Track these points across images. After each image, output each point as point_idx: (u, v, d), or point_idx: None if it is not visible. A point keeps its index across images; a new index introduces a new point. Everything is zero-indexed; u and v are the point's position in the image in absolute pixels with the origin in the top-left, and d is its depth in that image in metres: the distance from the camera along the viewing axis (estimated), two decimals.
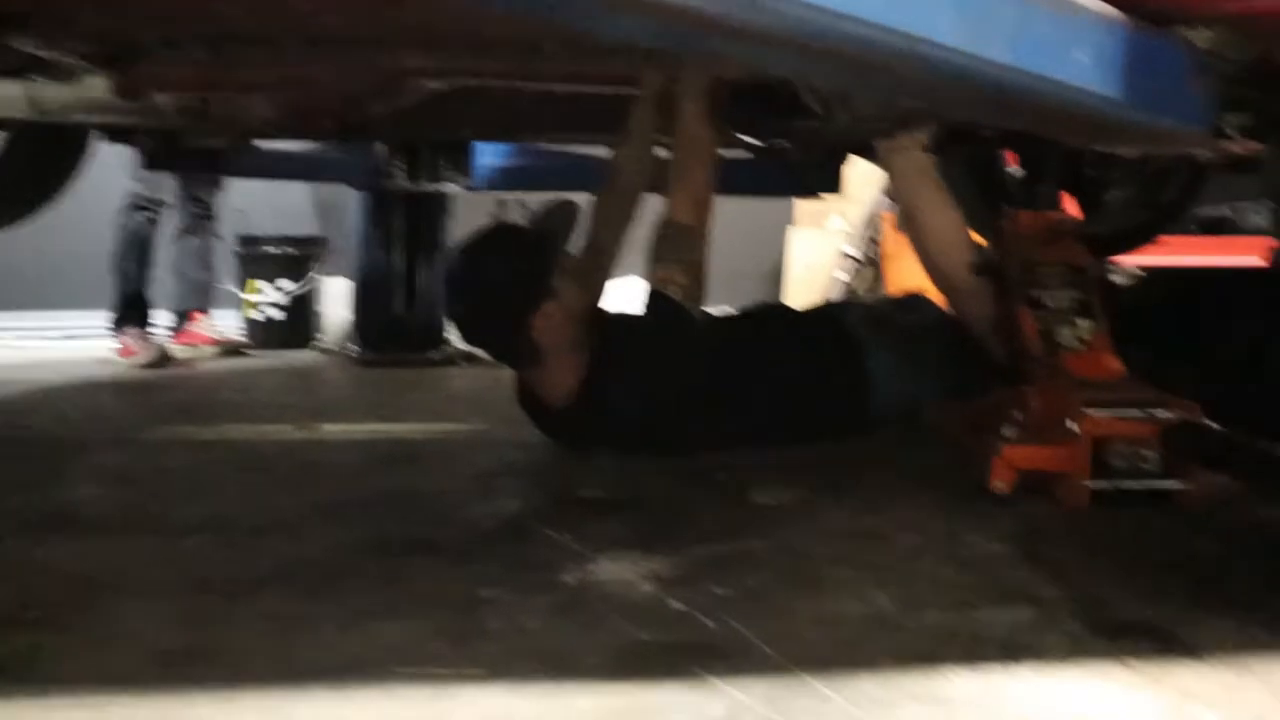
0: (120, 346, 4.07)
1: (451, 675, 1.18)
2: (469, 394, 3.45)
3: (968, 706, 1.13)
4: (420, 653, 1.24)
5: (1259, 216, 4.53)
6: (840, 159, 3.45)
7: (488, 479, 2.17)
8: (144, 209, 4.16)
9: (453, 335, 4.24)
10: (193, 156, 3.53)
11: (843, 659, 1.24)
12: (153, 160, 3.52)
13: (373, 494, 2.03)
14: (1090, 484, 1.89)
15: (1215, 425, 1.96)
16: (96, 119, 2.87)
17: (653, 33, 0.75)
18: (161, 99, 2.38)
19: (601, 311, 2.43)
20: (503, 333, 2.34)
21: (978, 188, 3.24)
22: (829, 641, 1.30)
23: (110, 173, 3.87)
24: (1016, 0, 0.96)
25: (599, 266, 2.49)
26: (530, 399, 2.44)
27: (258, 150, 3.79)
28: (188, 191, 4.34)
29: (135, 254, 4.18)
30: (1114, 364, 2.12)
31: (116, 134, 3.21)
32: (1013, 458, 1.95)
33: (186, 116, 2.47)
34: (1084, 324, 2.19)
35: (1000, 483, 1.94)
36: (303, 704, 1.11)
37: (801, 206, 6.26)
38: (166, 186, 4.22)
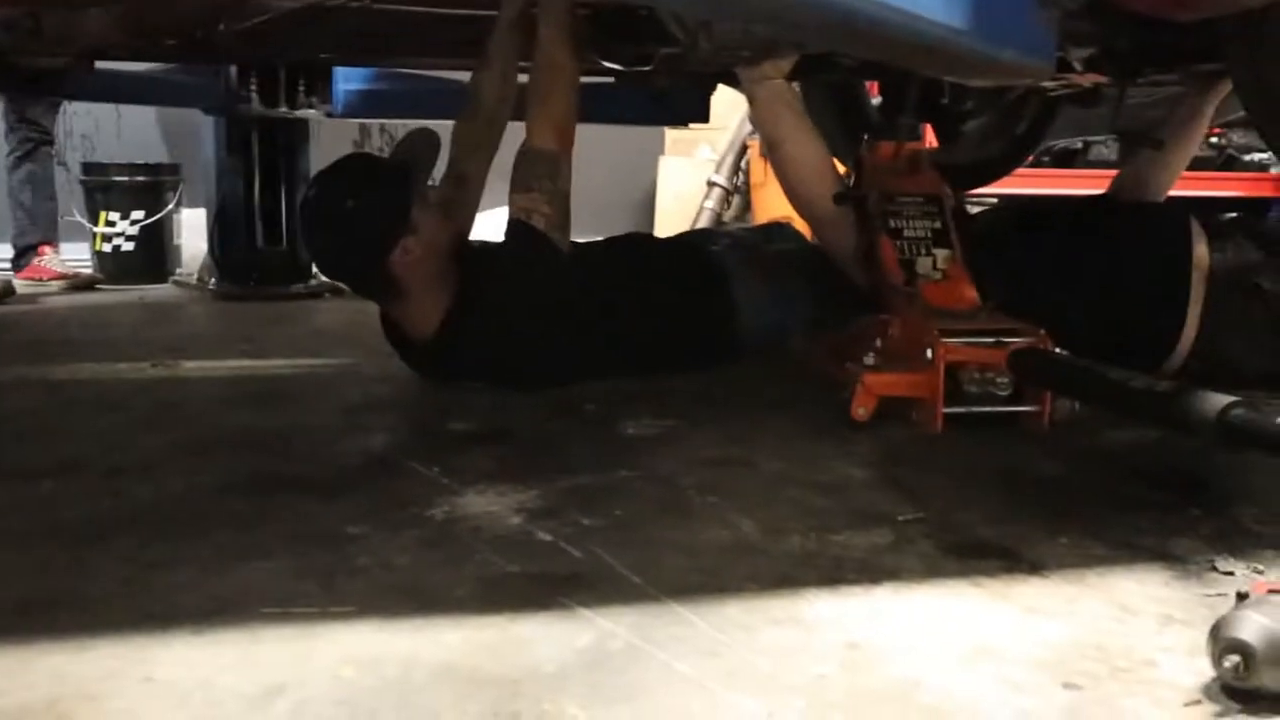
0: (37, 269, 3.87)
1: (318, 614, 1.18)
2: (335, 328, 3.38)
3: (827, 627, 1.17)
4: (286, 592, 1.23)
5: (1108, 149, 4.71)
6: (708, 88, 3.44)
7: (354, 414, 2.14)
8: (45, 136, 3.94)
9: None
10: (27, 78, 3.33)
11: (707, 586, 1.27)
12: None
13: (236, 432, 1.98)
14: (946, 409, 1.96)
15: (1062, 351, 2.05)
16: None
17: None
18: None
19: (467, 243, 2.40)
20: (361, 267, 2.29)
21: (839, 117, 3.29)
22: (694, 569, 1.33)
23: None
24: None
25: (462, 198, 2.45)
26: (395, 333, 2.40)
27: (100, 72, 3.60)
28: (19, 114, 4.10)
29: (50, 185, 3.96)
30: (969, 293, 2.19)
31: None
32: (872, 385, 2.01)
33: (15, 34, 2.32)
34: (941, 254, 2.26)
35: (861, 409, 2.00)
36: (162, 649, 1.09)
37: (671, 136, 6.27)
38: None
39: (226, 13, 2.34)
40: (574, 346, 2.29)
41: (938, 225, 2.29)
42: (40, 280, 4.10)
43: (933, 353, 1.96)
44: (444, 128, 2.45)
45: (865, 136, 2.62)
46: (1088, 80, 2.40)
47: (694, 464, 1.78)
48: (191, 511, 1.52)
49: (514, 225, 2.25)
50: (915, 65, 1.36)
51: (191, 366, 2.61)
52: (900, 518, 1.52)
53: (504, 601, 1.22)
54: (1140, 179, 2.69)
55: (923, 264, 2.24)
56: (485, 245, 2.39)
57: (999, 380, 1.94)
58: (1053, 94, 2.85)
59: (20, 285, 4.02)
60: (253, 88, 3.81)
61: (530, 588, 1.26)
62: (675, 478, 1.70)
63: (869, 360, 2.09)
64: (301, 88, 3.87)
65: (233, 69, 3.77)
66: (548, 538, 1.42)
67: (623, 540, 1.41)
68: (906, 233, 2.27)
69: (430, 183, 2.35)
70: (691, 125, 4.35)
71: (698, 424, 2.06)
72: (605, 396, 2.23)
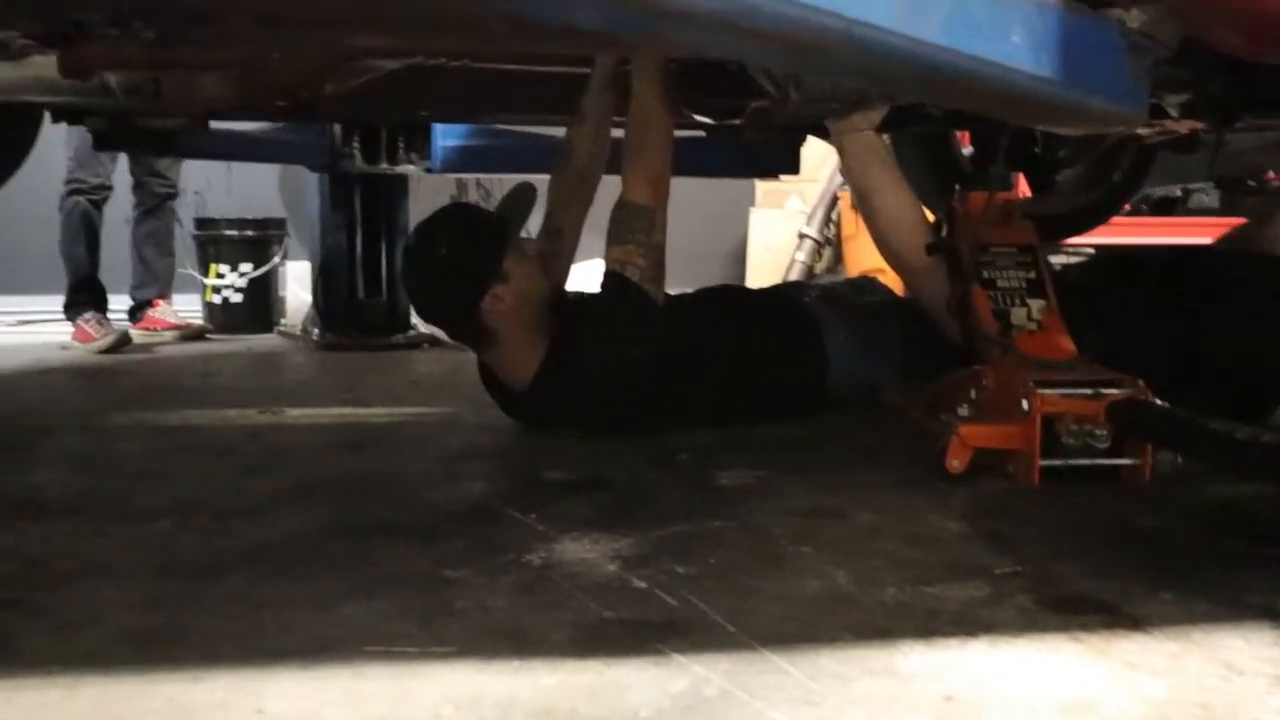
0: (77, 332, 4.03)
1: (419, 654, 1.21)
2: (433, 377, 3.46)
3: (922, 678, 1.17)
4: (388, 632, 1.26)
5: (1208, 197, 4.62)
6: (797, 140, 3.48)
7: (453, 461, 2.18)
8: (84, 193, 4.12)
9: (415, 316, 4.26)
10: (145, 137, 3.50)
11: (801, 635, 1.27)
12: (103, 141, 3.47)
13: (339, 477, 2.05)
14: (1043, 461, 1.93)
15: (1163, 403, 2.01)
16: (45, 99, 2.84)
17: (595, 17, 0.76)
18: (112, 79, 2.37)
19: (563, 294, 2.45)
20: (453, 312, 2.37)
21: (930, 167, 3.29)
22: (788, 618, 1.33)
23: (59, 156, 3.84)
24: None
25: (557, 250, 2.51)
26: (493, 380, 2.46)
27: (213, 131, 3.76)
28: (148, 169, 4.30)
29: (82, 239, 4.15)
30: (1066, 344, 2.17)
31: (67, 114, 3.17)
32: (968, 436, 1.99)
33: (137, 96, 2.45)
34: (1036, 304, 2.24)
35: (956, 461, 1.98)
36: (272, 683, 1.13)
37: (762, 188, 6.31)
38: (107, 170, 4.17)
39: (332, 74, 2.44)
40: (667, 396, 2.32)
41: (1032, 275, 2.27)
42: (154, 330, 4.28)
43: (1028, 404, 1.94)
44: (540, 181, 2.52)
45: (956, 186, 2.61)
46: (1184, 126, 2.37)
47: (787, 514, 1.78)
48: (298, 553, 1.57)
49: (609, 277, 2.30)
50: (1004, 115, 1.37)
51: (296, 414, 2.70)
52: (997, 571, 1.51)
53: (600, 646, 1.23)
54: (1252, 231, 2.64)
55: (1017, 314, 2.22)
56: (581, 295, 2.44)
57: (1097, 432, 1.91)
58: (1149, 141, 2.82)
59: (136, 335, 4.19)
60: (356, 145, 3.96)
61: (626, 633, 1.28)
62: (768, 527, 1.71)
63: (964, 412, 2.08)
64: (402, 144, 4.00)
65: (337, 127, 3.92)
66: (643, 585, 1.43)
67: (717, 588, 1.42)
68: (1000, 283, 2.26)
69: (526, 234, 2.41)
70: (782, 177, 4.39)
71: (790, 474, 2.06)
72: (699, 446, 2.24)
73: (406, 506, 1.85)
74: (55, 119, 3.17)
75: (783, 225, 6.08)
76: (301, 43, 2.14)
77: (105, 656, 1.19)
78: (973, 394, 2.10)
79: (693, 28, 0.83)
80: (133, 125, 3.14)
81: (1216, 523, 1.82)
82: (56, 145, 3.42)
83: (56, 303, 4.31)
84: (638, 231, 2.29)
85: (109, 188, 4.20)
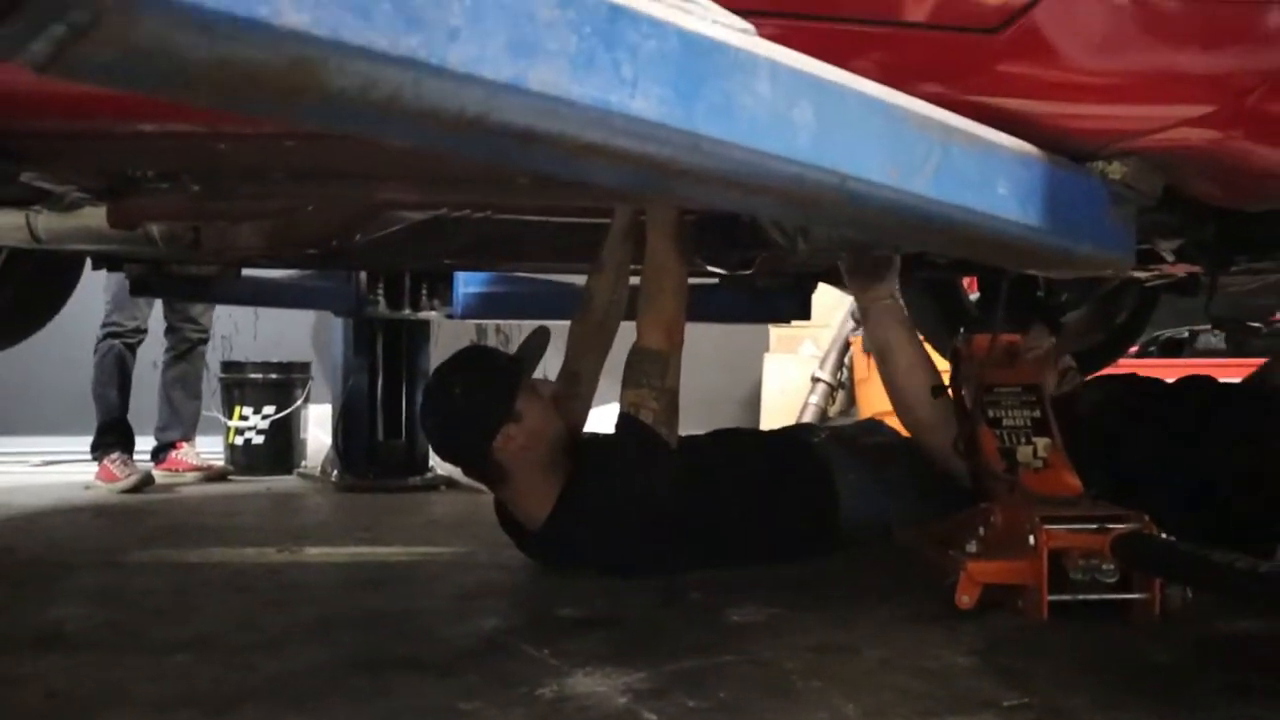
0: (100, 471, 4.10)
1: None
2: (450, 518, 3.49)
3: None
4: None
5: (1215, 338, 4.69)
6: (808, 286, 3.58)
7: (469, 599, 2.21)
8: (120, 336, 4.25)
9: (434, 457, 4.31)
10: (180, 283, 3.63)
11: None
12: (140, 287, 3.60)
13: (356, 614, 2.07)
14: (1051, 596, 1.95)
15: (1170, 537, 2.03)
16: (91, 247, 2.97)
17: (604, 175, 0.84)
18: (154, 228, 2.49)
19: (579, 436, 2.51)
20: (465, 450, 2.44)
21: (938, 312, 3.37)
22: None
23: (90, 300, 3.96)
24: (940, 139, 1.08)
25: (574, 392, 2.58)
26: (508, 519, 2.50)
27: (244, 277, 3.90)
28: (182, 314, 4.43)
29: (115, 381, 4.25)
30: (1071, 480, 2.20)
31: (106, 260, 3.31)
32: (976, 572, 2.01)
33: (178, 245, 2.57)
34: (1042, 442, 2.28)
35: (965, 597, 1.99)
36: None
37: (776, 333, 6.42)
38: (144, 314, 4.31)
39: (361, 224, 2.56)
40: (680, 536, 2.35)
41: (1037, 414, 2.32)
42: (177, 472, 4.34)
43: (1035, 540, 1.96)
44: (560, 327, 2.62)
45: (961, 330, 2.69)
46: (1180, 270, 2.45)
47: (797, 649, 1.80)
48: (315, 686, 1.59)
49: (623, 419, 2.36)
50: (995, 260, 1.44)
51: (314, 552, 2.74)
52: (1005, 704, 1.52)
53: None
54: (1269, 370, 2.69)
55: (1023, 452, 2.27)
56: (596, 437, 2.50)
57: (1104, 567, 1.93)
58: (1150, 284, 2.90)
59: (158, 475, 4.25)
60: (380, 291, 4.09)
61: None
62: (779, 662, 1.72)
63: (972, 548, 2.10)
64: (425, 291, 4.13)
65: (363, 274, 4.05)
66: (653, 717, 1.45)
67: None
68: (1006, 422, 2.31)
69: (543, 376, 2.48)
70: (795, 323, 4.48)
71: (801, 611, 2.08)
72: (711, 584, 2.26)
73: (422, 641, 1.87)
74: (96, 266, 3.30)
75: (796, 369, 6.17)
76: (335, 195, 2.26)
77: None
78: (981, 531, 2.13)
79: (700, 184, 0.91)
80: (169, 272, 3.28)
81: (1226, 656, 1.82)
82: (82, 289, 3.53)
83: (81, 443, 4.39)
84: (652, 376, 2.36)
85: (144, 331, 4.33)
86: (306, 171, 1.76)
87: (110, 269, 3.39)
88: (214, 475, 4.42)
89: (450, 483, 4.21)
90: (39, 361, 4.94)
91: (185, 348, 4.46)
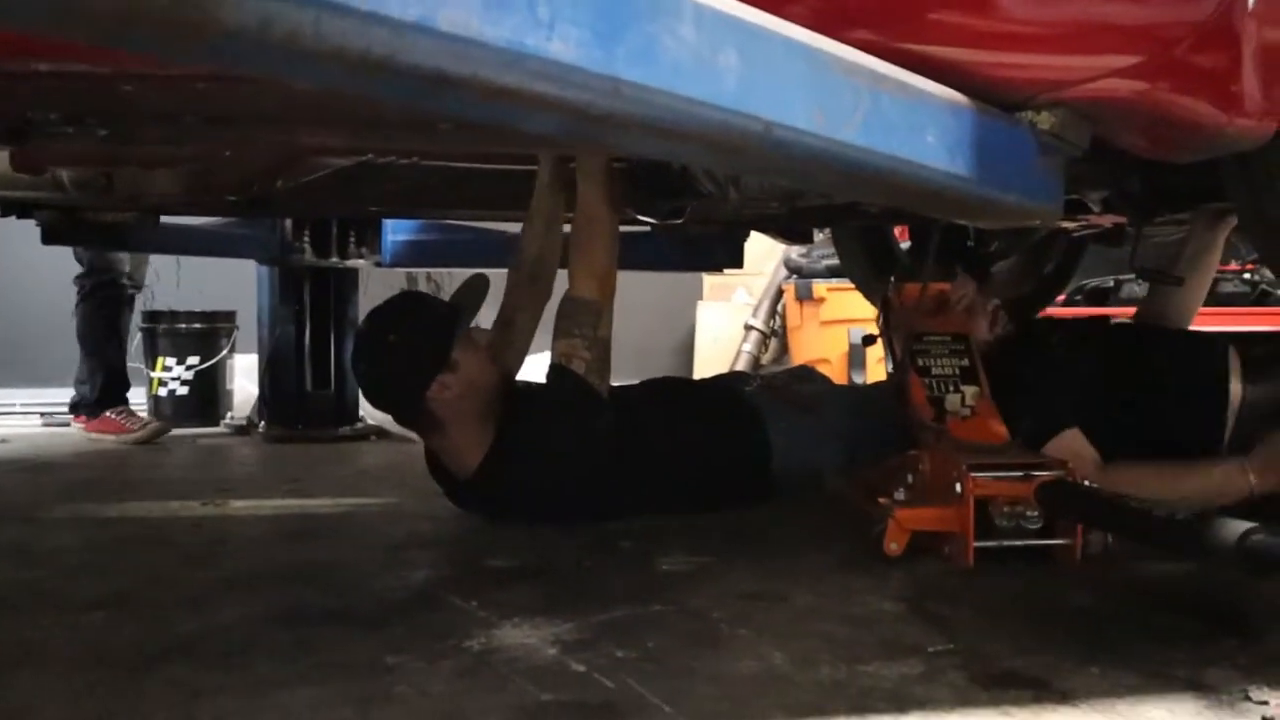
0: (99, 424, 4.02)
1: None
2: (380, 469, 3.45)
3: None
4: (326, 719, 1.26)
5: (1139, 287, 4.78)
6: (740, 235, 3.57)
7: (397, 550, 2.19)
8: (113, 286, 4.14)
9: (364, 407, 4.26)
10: (94, 231, 3.52)
11: (737, 714, 1.29)
12: (52, 235, 3.49)
13: (282, 567, 2.04)
14: (977, 543, 1.98)
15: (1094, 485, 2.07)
16: None
17: (522, 120, 0.81)
18: (64, 174, 2.40)
19: (513, 385, 2.48)
20: (398, 399, 2.40)
21: (869, 260, 3.39)
22: (724, 698, 1.35)
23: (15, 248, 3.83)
24: (869, 86, 1.06)
25: (509, 342, 2.55)
26: (439, 468, 2.47)
27: (163, 225, 3.79)
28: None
29: (114, 334, 4.14)
30: (998, 428, 2.23)
31: (16, 208, 3.19)
32: (904, 519, 2.03)
33: (89, 191, 2.48)
34: (969, 390, 2.30)
35: (894, 544, 2.02)
36: None
37: (709, 281, 6.42)
38: (121, 262, 4.20)
39: (283, 171, 2.49)
40: (611, 485, 2.34)
41: (965, 363, 2.34)
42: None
43: (962, 487, 1.99)
44: (494, 276, 2.57)
45: (891, 279, 2.70)
46: (1107, 221, 2.47)
47: (727, 598, 1.81)
48: (237, 642, 1.56)
49: (554, 370, 2.34)
50: (923, 210, 1.44)
51: (240, 505, 2.69)
52: (931, 649, 1.54)
53: None
54: (1160, 313, 2.75)
55: (951, 400, 2.29)
56: (529, 387, 2.47)
57: (1028, 514, 1.96)
58: (1077, 234, 2.93)
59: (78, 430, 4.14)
60: (306, 239, 4.00)
61: (564, 716, 1.29)
62: (708, 611, 1.73)
63: (900, 496, 2.13)
64: (352, 239, 4.05)
65: (287, 222, 3.96)
66: (582, 668, 1.45)
67: (655, 671, 1.44)
68: (935, 370, 2.33)
69: (477, 324, 2.44)
70: (727, 271, 4.48)
71: (731, 560, 2.09)
72: (641, 533, 2.26)
73: (348, 595, 1.85)
74: (5, 213, 3.18)
75: (729, 317, 6.19)
76: (253, 141, 2.19)
77: None
78: (909, 478, 2.15)
79: (623, 131, 0.88)
80: (83, 219, 3.17)
81: (1145, 599, 1.86)
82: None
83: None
84: (584, 326, 2.33)
85: (130, 279, 4.23)
86: (220, 115, 1.69)
87: (20, 216, 3.26)
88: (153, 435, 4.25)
89: (380, 432, 4.16)
90: None
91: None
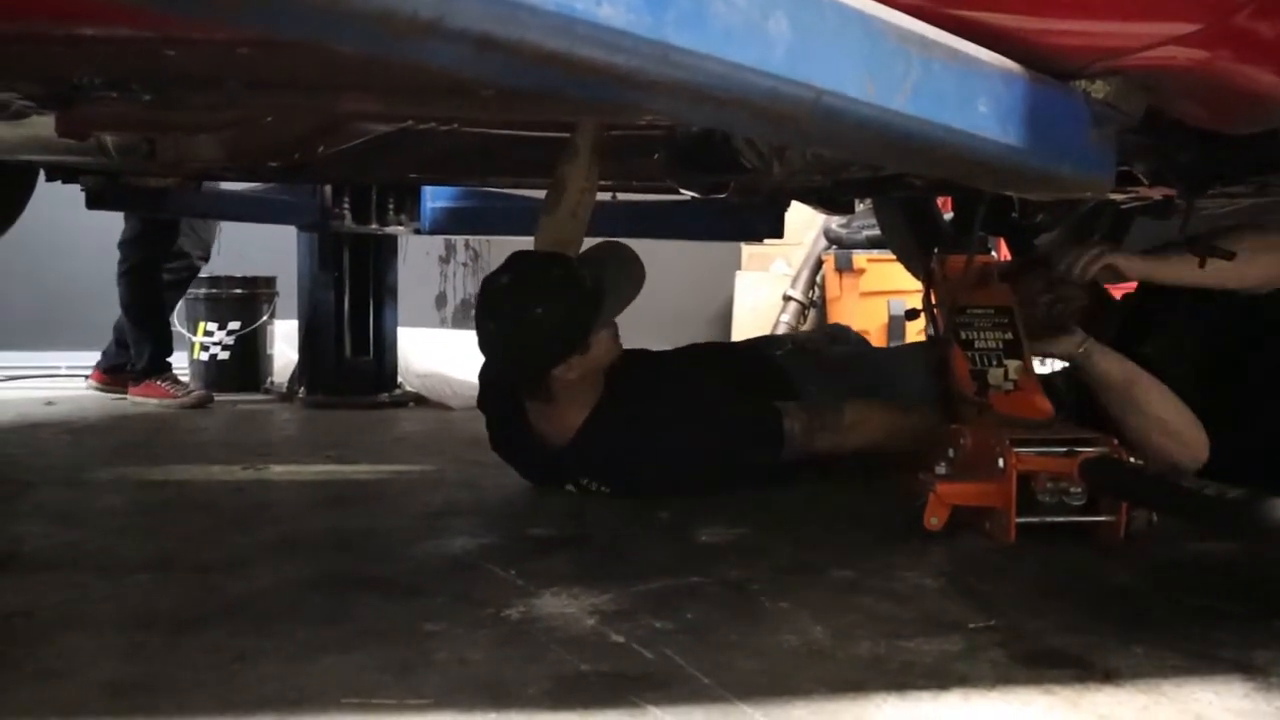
0: (144, 389, 4.10)
1: (395, 706, 1.21)
2: (418, 436, 3.47)
3: None
4: (365, 684, 1.27)
5: None
6: (781, 205, 3.54)
7: (436, 517, 2.20)
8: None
9: (401, 375, 4.28)
10: (137, 196, 3.54)
11: (777, 688, 1.29)
12: (96, 200, 3.51)
13: (321, 532, 2.05)
14: (1019, 519, 1.95)
15: (1138, 461, 2.04)
16: (42, 158, 2.88)
17: (569, 86, 0.80)
18: (107, 139, 2.41)
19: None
20: (525, 370, 2.33)
21: (912, 232, 3.34)
22: (763, 671, 1.34)
23: (52, 213, 3.86)
24: (920, 54, 1.03)
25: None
26: (515, 436, 2.46)
27: (205, 191, 3.81)
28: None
29: (163, 306, 4.23)
30: (1042, 403, 2.20)
31: (61, 172, 3.22)
32: (945, 494, 2.01)
33: (132, 156, 2.49)
34: (1013, 364, 2.27)
35: (934, 518, 2.00)
36: None
37: (748, 251, 6.39)
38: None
39: (324, 137, 2.49)
40: (652, 452, 2.33)
41: (1009, 336, 2.31)
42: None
43: (1004, 462, 1.96)
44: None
45: (935, 250, 2.66)
46: (1156, 193, 2.42)
47: (765, 570, 1.80)
48: (277, 606, 1.58)
49: None
50: (973, 181, 1.41)
51: (280, 470, 2.71)
52: (971, 625, 1.52)
53: (577, 699, 1.24)
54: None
55: (994, 375, 2.26)
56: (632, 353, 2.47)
57: (1072, 490, 1.94)
58: (1124, 207, 2.87)
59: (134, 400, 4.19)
60: (345, 206, 4.01)
61: (602, 687, 1.29)
62: (746, 583, 1.72)
63: (941, 470, 2.10)
64: (391, 205, 4.05)
65: (328, 188, 3.97)
66: (620, 639, 1.44)
67: (693, 642, 1.43)
68: (978, 344, 2.30)
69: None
70: (767, 241, 4.45)
71: (769, 531, 2.08)
72: (679, 504, 2.26)
73: (387, 561, 1.86)
74: (49, 178, 3.21)
75: (768, 288, 6.15)
76: (294, 107, 2.19)
77: (84, 708, 1.20)
78: (951, 453, 2.13)
79: (670, 97, 0.87)
80: (125, 184, 3.19)
81: (1190, 578, 1.84)
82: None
83: (42, 359, 4.30)
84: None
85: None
86: (262, 81, 1.69)
87: (64, 181, 3.29)
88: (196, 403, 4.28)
89: (419, 399, 4.19)
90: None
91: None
